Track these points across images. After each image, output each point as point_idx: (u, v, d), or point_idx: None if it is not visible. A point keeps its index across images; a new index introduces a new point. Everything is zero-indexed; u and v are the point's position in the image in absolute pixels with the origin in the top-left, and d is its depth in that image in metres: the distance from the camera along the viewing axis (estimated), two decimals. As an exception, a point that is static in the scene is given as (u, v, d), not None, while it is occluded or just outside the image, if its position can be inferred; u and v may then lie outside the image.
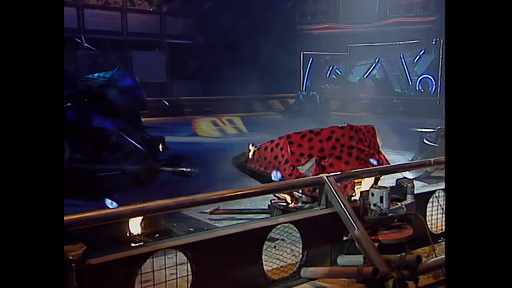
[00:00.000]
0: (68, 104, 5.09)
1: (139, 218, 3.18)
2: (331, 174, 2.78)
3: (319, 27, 17.62)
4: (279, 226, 2.55)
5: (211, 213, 4.07)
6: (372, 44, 16.62)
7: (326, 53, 17.83)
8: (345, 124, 3.78)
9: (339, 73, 18.32)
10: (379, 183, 3.26)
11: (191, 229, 3.77)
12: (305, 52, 18.01)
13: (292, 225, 2.59)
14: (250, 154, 4.02)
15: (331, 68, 18.38)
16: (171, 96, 16.36)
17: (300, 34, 17.73)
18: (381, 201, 2.75)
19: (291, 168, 3.56)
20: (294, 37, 17.33)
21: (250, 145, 4.08)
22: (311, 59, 18.28)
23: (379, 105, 16.00)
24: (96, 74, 5.52)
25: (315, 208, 2.78)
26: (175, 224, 3.86)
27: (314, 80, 18.11)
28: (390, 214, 2.76)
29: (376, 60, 17.36)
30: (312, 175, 3.45)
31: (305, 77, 18.48)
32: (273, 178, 4.17)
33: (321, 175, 2.81)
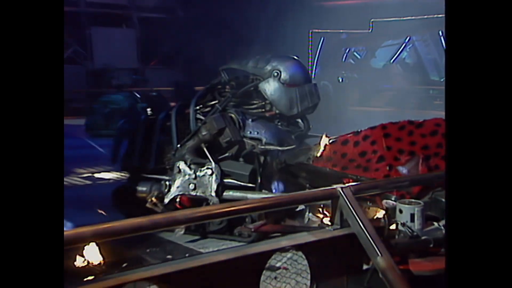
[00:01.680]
0: (210, 103, 5.06)
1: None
2: (347, 184, 2.81)
3: (335, -3, 17.75)
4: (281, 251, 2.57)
5: None
6: (401, 19, 16.70)
7: (341, 30, 17.90)
8: None
9: (358, 56, 18.42)
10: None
11: (169, 256, 3.79)
12: (314, 30, 18.05)
13: (298, 251, 2.61)
14: (319, 150, 4.01)
15: (347, 50, 18.48)
16: (144, 86, 16.37)
17: (308, 7, 17.78)
18: (412, 220, 2.78)
19: (388, 167, 3.57)
20: (300, 11, 17.37)
21: (323, 137, 4.06)
22: (322, 39, 18.34)
23: (411, 97, 16.07)
24: (244, 61, 5.34)
25: (327, 228, 2.80)
26: (148, 250, 3.88)
27: (326, 66, 18.17)
28: (423, 237, 2.79)
29: (407, 40, 17.48)
30: None
31: (314, 62, 18.55)
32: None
33: (335, 186, 2.83)
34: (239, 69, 5.30)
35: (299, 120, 5.31)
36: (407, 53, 17.69)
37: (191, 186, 4.31)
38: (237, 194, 4.26)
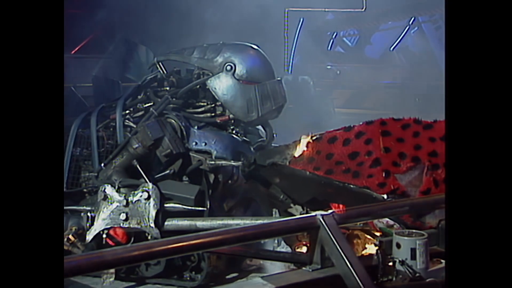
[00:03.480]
0: (143, 106, 5.01)
1: None
2: (329, 211, 2.85)
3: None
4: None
5: None
6: (404, -6, 16.99)
7: (326, 9, 18.07)
8: None
9: (349, 43, 18.62)
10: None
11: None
12: (290, 9, 18.15)
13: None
14: (299, 148, 4.00)
15: (335, 35, 18.65)
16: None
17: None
18: (413, 257, 2.83)
19: (384, 173, 3.61)
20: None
21: (304, 137, 4.02)
22: (301, 20, 18.46)
23: (416, 95, 16.34)
24: (188, 50, 5.24)
25: (303, 269, 2.83)
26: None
27: (307, 56, 18.28)
28: (428, 279, 2.84)
29: (411, 21, 17.73)
30: (420, 191, 3.53)
31: (291, 51, 18.63)
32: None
33: (314, 214, 2.88)
34: (181, 61, 5.29)
35: (260, 128, 5.34)
36: (412, 39, 17.90)
37: (122, 216, 4.25)
38: (184, 222, 4.25)
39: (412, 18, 17.39)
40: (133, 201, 4.24)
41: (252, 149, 4.99)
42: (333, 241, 2.73)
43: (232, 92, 4.97)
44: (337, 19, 18.06)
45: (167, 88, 5.10)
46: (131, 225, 4.23)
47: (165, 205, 4.27)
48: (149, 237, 4.21)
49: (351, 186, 3.68)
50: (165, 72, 5.26)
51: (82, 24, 17.31)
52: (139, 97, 5.18)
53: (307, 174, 3.85)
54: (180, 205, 4.30)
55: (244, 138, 5.07)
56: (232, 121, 5.00)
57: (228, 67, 4.98)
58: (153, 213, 4.19)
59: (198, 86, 5.04)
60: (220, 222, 4.18)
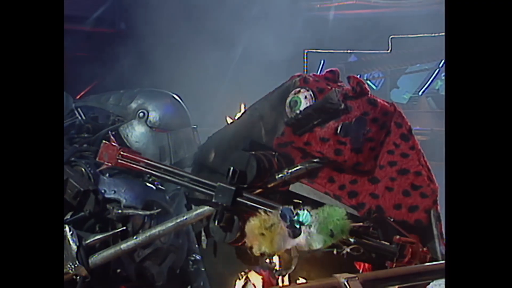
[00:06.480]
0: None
1: None
2: (354, 274, 2.76)
3: (339, 4, 18.08)
4: None
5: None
6: (433, 35, 17.07)
7: (349, 51, 18.21)
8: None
9: (374, 86, 18.70)
10: None
11: None
12: (310, 50, 18.29)
13: None
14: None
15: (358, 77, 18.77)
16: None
17: (303, 19, 18.05)
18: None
19: None
20: (292, 24, 17.63)
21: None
22: (321, 63, 18.60)
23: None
24: (105, 96, 5.46)
25: None
26: None
27: (328, 100, 18.36)
28: None
29: (440, 64, 17.82)
30: None
31: (312, 94, 18.77)
32: None
33: (336, 276, 2.78)
34: (98, 107, 5.47)
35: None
36: (441, 82, 17.98)
37: None
38: (110, 251, 4.17)
39: (442, 60, 17.47)
40: None
41: (167, 197, 5.06)
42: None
43: (144, 140, 5.18)
44: (360, 61, 18.17)
45: (85, 135, 5.23)
46: None
47: (85, 241, 4.22)
48: (77, 279, 4.13)
49: None
50: (83, 118, 5.37)
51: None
52: None
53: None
54: (100, 235, 4.29)
55: (160, 186, 5.09)
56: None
57: (141, 114, 5.19)
58: (74, 251, 4.14)
59: (112, 133, 5.15)
60: (144, 236, 4.15)
